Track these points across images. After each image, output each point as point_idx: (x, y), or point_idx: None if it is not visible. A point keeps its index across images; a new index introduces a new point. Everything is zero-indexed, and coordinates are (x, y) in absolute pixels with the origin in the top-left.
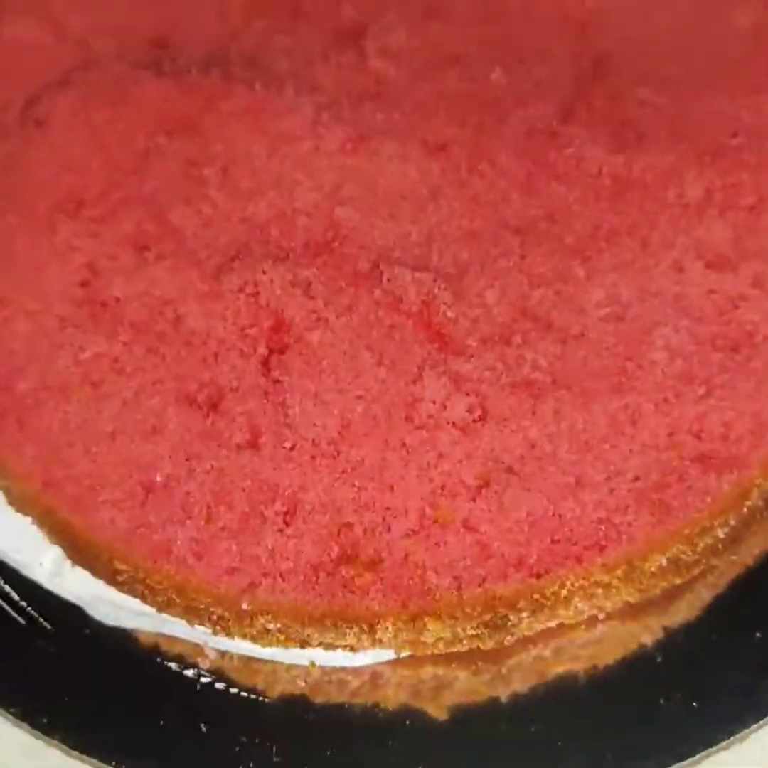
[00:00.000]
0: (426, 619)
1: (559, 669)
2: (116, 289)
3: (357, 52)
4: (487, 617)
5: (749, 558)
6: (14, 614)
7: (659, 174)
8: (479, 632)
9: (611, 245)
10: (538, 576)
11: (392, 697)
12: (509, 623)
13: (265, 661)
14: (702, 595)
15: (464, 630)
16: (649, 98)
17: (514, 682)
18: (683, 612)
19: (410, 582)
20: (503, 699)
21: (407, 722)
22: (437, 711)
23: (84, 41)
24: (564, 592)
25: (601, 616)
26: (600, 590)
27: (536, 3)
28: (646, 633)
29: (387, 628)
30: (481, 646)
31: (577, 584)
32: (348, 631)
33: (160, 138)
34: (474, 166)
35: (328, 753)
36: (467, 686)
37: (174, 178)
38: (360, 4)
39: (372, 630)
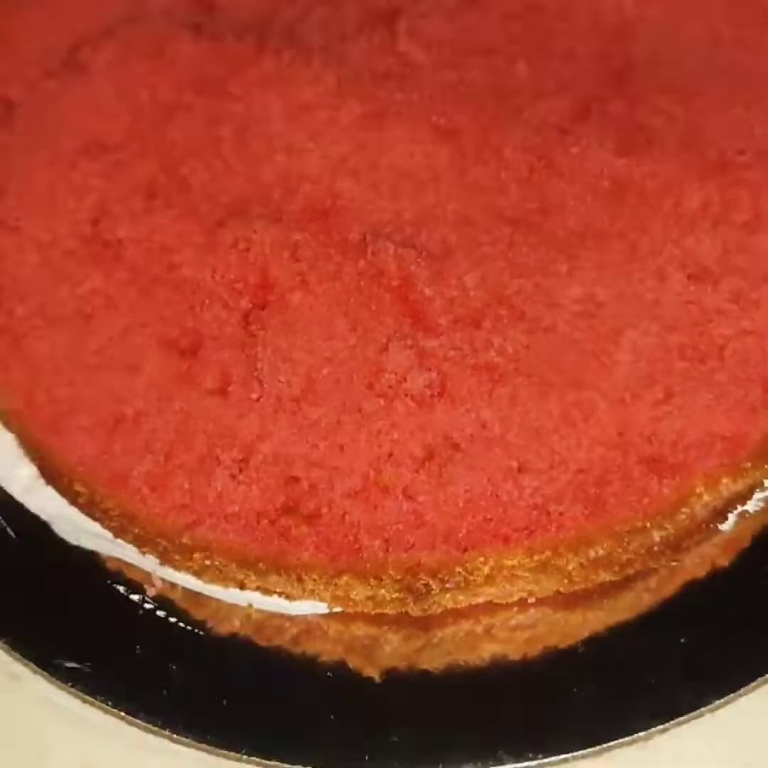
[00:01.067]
0: (349, 576)
1: (493, 647)
2: (121, 231)
3: (389, 32)
4: (409, 582)
5: (700, 569)
6: None
7: (660, 181)
8: (403, 596)
9: (599, 245)
10: (464, 550)
11: (330, 650)
12: (432, 592)
13: (210, 598)
14: (643, 598)
15: (388, 592)
16: (665, 107)
17: (445, 653)
18: (622, 611)
19: (343, 539)
20: (435, 669)
21: (342, 677)
22: (371, 670)
23: None
24: (486, 569)
25: (531, 601)
26: (525, 574)
27: (576, 4)
28: (583, 625)
29: (314, 579)
30: (409, 612)
31: (500, 563)
32: (278, 578)
33: (188, 95)
34: (479, 154)
35: (256, 692)
36: (399, 650)
37: (193, 134)
38: None
39: (300, 580)
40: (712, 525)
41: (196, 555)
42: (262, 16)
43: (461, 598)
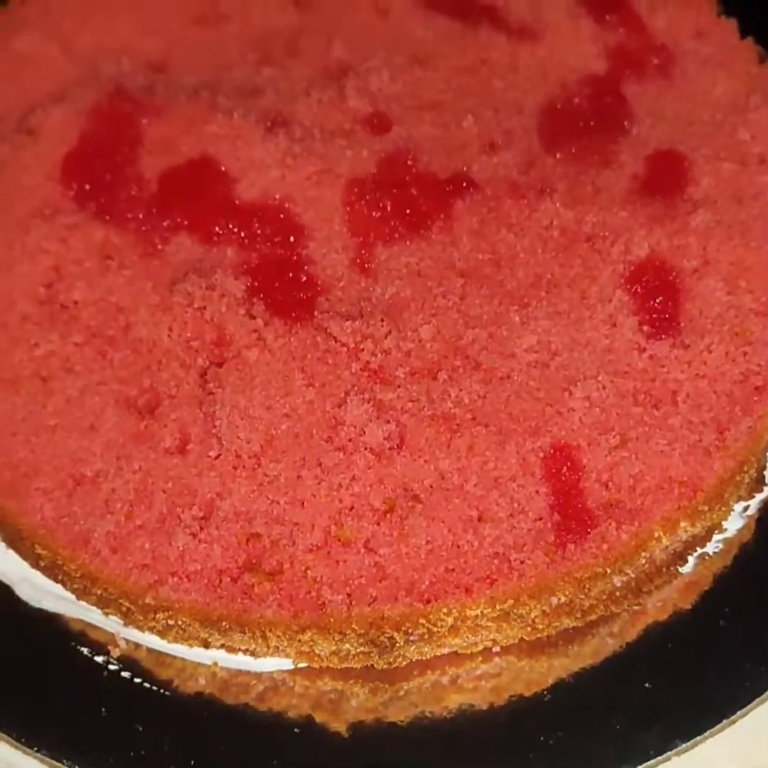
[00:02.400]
0: (313, 632)
1: (459, 697)
2: (76, 293)
3: (338, 91)
4: (373, 636)
5: (662, 613)
6: None
7: (608, 230)
8: (367, 650)
9: (550, 295)
10: (427, 602)
11: (297, 705)
12: (396, 645)
13: (174, 657)
14: (607, 643)
15: (353, 647)
16: (615, 155)
17: (412, 705)
18: (587, 657)
19: (305, 595)
20: (401, 722)
21: (309, 732)
22: (338, 725)
23: (88, 59)
24: (449, 620)
25: (496, 650)
26: (489, 623)
27: (520, 58)
28: (548, 672)
29: (278, 636)
30: (375, 665)
31: (463, 614)
32: (242, 635)
33: (141, 154)
34: (430, 209)
35: (222, 752)
36: (366, 703)
37: (144, 197)
38: (350, 45)
39: (264, 637)
40: (672, 568)
41: (159, 615)
42: (213, 76)
43: (426, 649)
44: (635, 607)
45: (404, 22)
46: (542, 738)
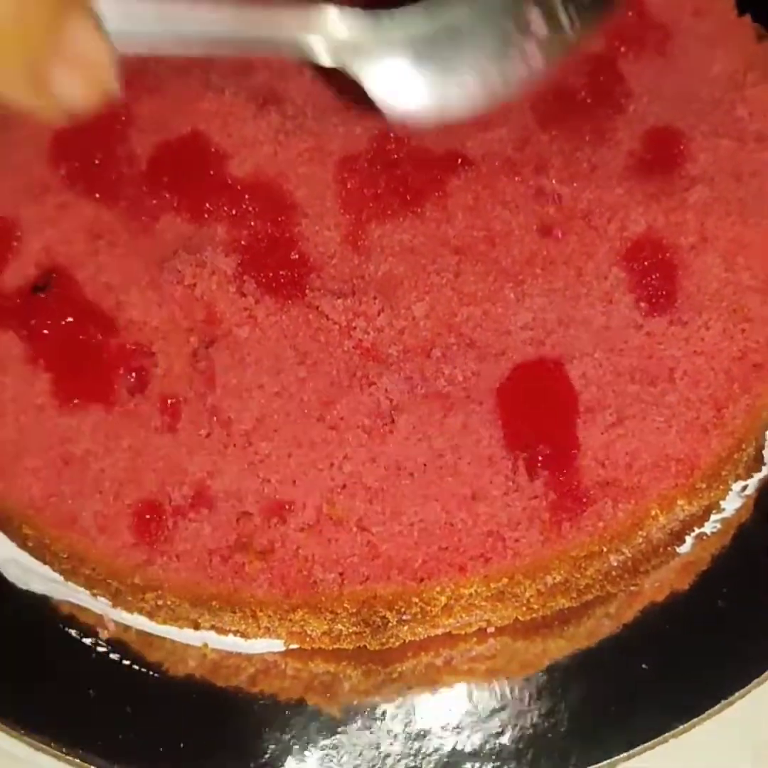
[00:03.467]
0: (304, 612)
1: (453, 679)
2: (67, 272)
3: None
4: (366, 615)
5: (659, 593)
6: None
7: (605, 207)
8: (360, 630)
9: (546, 272)
10: (420, 580)
11: (289, 688)
12: (389, 624)
13: (164, 639)
14: (603, 624)
15: (345, 627)
16: (612, 133)
17: (406, 687)
18: (582, 639)
19: (297, 574)
20: (394, 703)
21: (302, 715)
22: (331, 707)
23: None
24: (443, 599)
25: (490, 630)
26: (483, 603)
27: None
28: (544, 654)
29: (269, 616)
30: (367, 646)
31: (457, 593)
32: (232, 615)
33: (131, 133)
34: (424, 186)
35: (213, 734)
36: (359, 686)
37: (135, 176)
38: None
39: (255, 617)
40: (669, 548)
41: (149, 595)
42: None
43: (419, 630)
44: (632, 588)
45: None
46: (537, 720)
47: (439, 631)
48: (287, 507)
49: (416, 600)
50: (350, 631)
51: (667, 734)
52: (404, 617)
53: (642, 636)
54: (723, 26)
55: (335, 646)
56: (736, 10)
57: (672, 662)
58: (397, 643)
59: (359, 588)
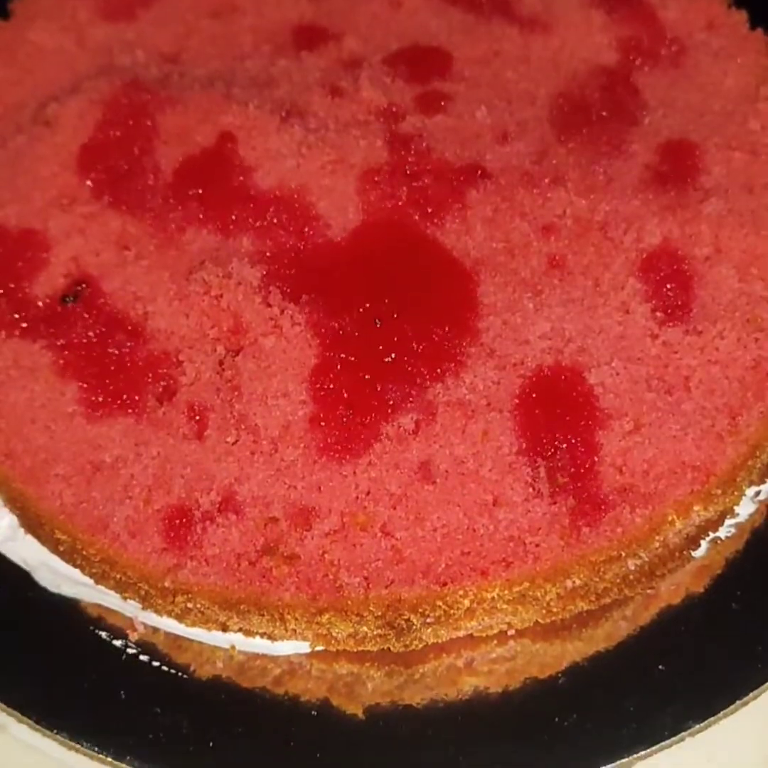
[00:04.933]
0: (331, 615)
1: (473, 680)
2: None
3: (352, 82)
4: (391, 618)
5: (675, 596)
6: None
7: (621, 219)
8: (384, 633)
9: (564, 282)
10: (443, 584)
11: (313, 689)
12: (413, 627)
13: (192, 641)
14: (620, 627)
15: (370, 629)
16: (627, 145)
17: (428, 688)
18: (600, 641)
19: (323, 578)
20: (417, 704)
21: (325, 716)
22: (354, 708)
23: (103, 50)
24: (466, 602)
25: (511, 633)
26: (504, 606)
27: (532, 50)
28: (562, 656)
29: (296, 618)
30: (391, 648)
31: (479, 596)
32: (260, 618)
33: (157, 145)
34: (444, 198)
35: (239, 734)
36: (381, 687)
37: (160, 187)
38: (363, 37)
39: (282, 620)
40: (685, 552)
41: (178, 598)
42: (227, 67)
43: (442, 632)
44: (649, 591)
45: (417, 13)
46: (556, 720)
47: (462, 634)
48: (313, 512)
49: (440, 603)
50: (375, 633)
51: (683, 733)
52: (428, 620)
53: (658, 637)
54: (736, 40)
55: (360, 648)
56: (749, 24)
57: (687, 663)
58: (421, 645)
59: (384, 592)
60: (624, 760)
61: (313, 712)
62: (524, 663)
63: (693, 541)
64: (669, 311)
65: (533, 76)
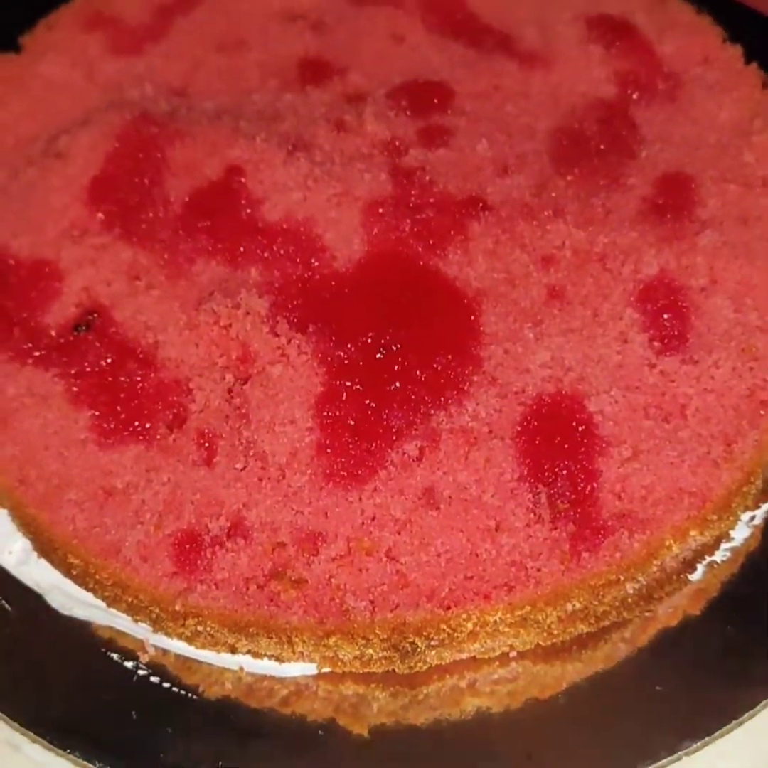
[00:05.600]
0: (338, 637)
1: (476, 701)
2: (106, 313)
3: (356, 116)
4: (396, 641)
5: (672, 618)
6: None
7: (619, 250)
8: (390, 655)
9: (563, 312)
10: (447, 608)
11: (319, 709)
12: (418, 650)
13: (201, 663)
14: (619, 648)
15: (376, 651)
16: (625, 178)
17: (431, 708)
18: (599, 662)
19: (330, 602)
20: (421, 724)
21: (332, 735)
22: (359, 728)
23: (112, 84)
24: (469, 625)
25: (512, 655)
26: (506, 629)
27: (532, 85)
28: (562, 677)
29: (304, 641)
30: (396, 670)
31: (482, 620)
32: (268, 641)
33: (166, 177)
34: (446, 230)
35: (247, 754)
36: (386, 707)
37: (170, 219)
38: (367, 71)
39: (290, 642)
40: (682, 576)
41: (189, 621)
42: (234, 101)
43: (446, 654)
44: (647, 613)
45: (419, 49)
46: (557, 740)
47: (465, 656)
48: (320, 538)
49: (444, 626)
50: (380, 655)
51: (680, 753)
52: (432, 643)
53: (656, 659)
54: (731, 74)
55: (365, 670)
56: (744, 59)
57: (684, 684)
58: (425, 667)
59: (390, 615)
60: None
61: (319, 732)
62: (525, 684)
63: (690, 565)
64: (666, 341)
65: (533, 110)
